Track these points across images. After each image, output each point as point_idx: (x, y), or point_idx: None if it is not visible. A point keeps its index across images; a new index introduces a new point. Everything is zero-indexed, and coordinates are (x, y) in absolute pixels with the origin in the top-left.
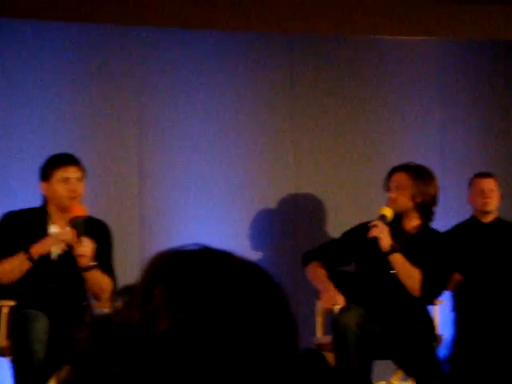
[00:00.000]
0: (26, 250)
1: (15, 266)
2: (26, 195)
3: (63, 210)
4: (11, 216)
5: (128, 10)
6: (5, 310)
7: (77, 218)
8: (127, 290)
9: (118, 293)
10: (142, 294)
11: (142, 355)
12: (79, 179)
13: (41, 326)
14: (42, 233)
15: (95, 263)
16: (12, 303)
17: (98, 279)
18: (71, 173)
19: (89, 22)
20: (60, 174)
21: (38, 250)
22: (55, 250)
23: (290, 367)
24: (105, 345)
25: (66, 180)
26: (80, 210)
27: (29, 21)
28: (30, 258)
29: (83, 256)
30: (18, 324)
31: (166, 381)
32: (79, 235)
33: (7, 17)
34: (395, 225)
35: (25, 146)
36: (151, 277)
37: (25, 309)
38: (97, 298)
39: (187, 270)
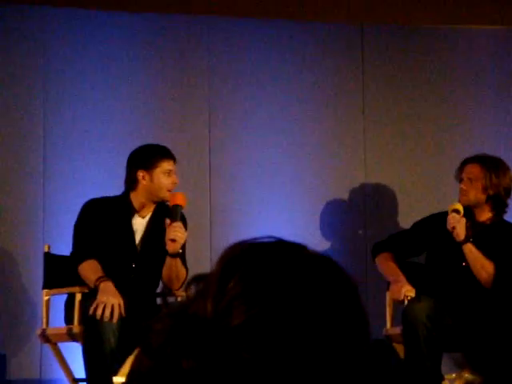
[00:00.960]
0: (108, 241)
1: (86, 279)
2: (105, 186)
3: (153, 200)
4: (94, 203)
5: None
6: (78, 297)
7: (178, 206)
8: (201, 279)
9: (191, 280)
10: (217, 285)
11: (216, 349)
12: (176, 173)
13: (110, 325)
14: (126, 223)
15: (182, 251)
16: (85, 290)
17: (178, 268)
18: (172, 166)
19: (153, 12)
20: (165, 166)
21: (102, 291)
22: (139, 237)
23: (361, 360)
24: (180, 338)
25: (169, 172)
26: (182, 200)
27: (96, 11)
28: (95, 286)
29: (175, 241)
30: (89, 311)
31: (240, 376)
32: (176, 220)
33: (73, 7)
34: (468, 217)
35: (91, 138)
36: (226, 268)
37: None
38: (170, 285)
39: (262, 263)
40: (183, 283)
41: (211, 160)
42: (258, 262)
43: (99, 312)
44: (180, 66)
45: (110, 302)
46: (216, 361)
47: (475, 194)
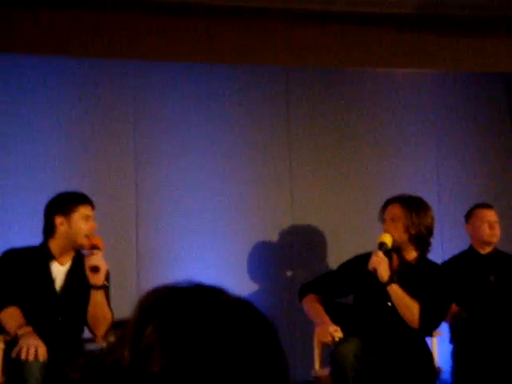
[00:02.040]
0: (28, 289)
1: (6, 326)
2: (20, 232)
3: (70, 246)
4: (12, 253)
5: (120, 44)
6: (1, 346)
7: (95, 245)
8: (121, 326)
9: (113, 326)
10: (134, 332)
11: None
12: (91, 218)
13: (36, 364)
14: (45, 270)
15: (107, 284)
16: (8, 338)
17: (104, 305)
18: (90, 211)
19: (82, 57)
20: (83, 210)
21: (23, 337)
22: (59, 283)
23: None
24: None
25: (87, 217)
26: (99, 241)
27: (24, 56)
28: (15, 334)
29: (98, 270)
30: (13, 362)
31: None
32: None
33: (5, 52)
34: (395, 254)
35: (20, 183)
36: (142, 316)
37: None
38: (96, 328)
39: (178, 310)
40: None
41: (138, 206)
42: (174, 309)
43: (24, 354)
44: (105, 112)
45: (33, 344)
46: None
47: (398, 234)
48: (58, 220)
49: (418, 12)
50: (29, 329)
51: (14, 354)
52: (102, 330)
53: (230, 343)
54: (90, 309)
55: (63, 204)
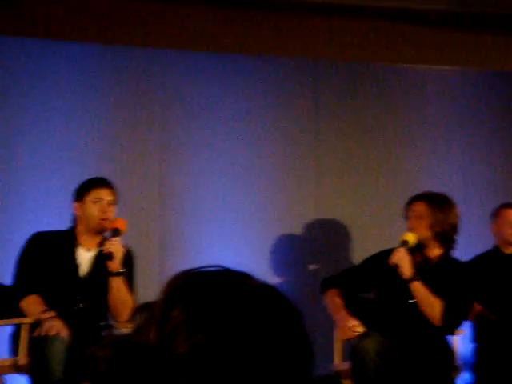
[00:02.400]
0: (52, 274)
1: (29, 313)
2: (54, 218)
3: (92, 231)
4: (39, 237)
5: (150, 32)
6: (25, 328)
7: (117, 228)
8: (146, 308)
9: (137, 310)
10: (161, 314)
11: (159, 376)
12: (110, 202)
13: (59, 345)
14: (70, 256)
15: (125, 270)
16: (30, 320)
17: (124, 291)
18: (104, 195)
19: (113, 45)
20: (93, 194)
21: (46, 320)
22: (83, 269)
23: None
24: (123, 365)
25: (99, 201)
26: (121, 224)
27: (57, 42)
28: (39, 319)
29: (113, 255)
30: (37, 342)
31: None
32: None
33: (37, 38)
34: (418, 253)
35: (51, 169)
36: (170, 298)
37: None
38: (117, 314)
39: (205, 292)
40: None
41: (162, 193)
42: (201, 291)
43: (44, 331)
44: (135, 100)
45: (55, 324)
46: None
47: (422, 232)
48: (76, 206)
49: (449, 8)
50: (52, 313)
51: (36, 334)
52: (123, 315)
53: (255, 326)
54: (110, 296)
55: (78, 190)
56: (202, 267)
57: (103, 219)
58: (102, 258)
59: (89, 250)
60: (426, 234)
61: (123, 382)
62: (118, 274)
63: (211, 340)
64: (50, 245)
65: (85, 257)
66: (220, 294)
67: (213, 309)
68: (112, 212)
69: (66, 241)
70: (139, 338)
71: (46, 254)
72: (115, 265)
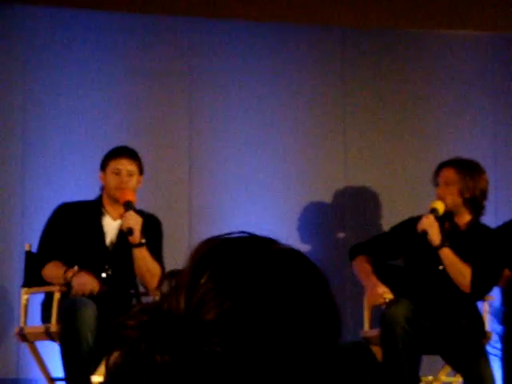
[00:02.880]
0: (78, 243)
1: (53, 277)
2: (85, 188)
3: (115, 200)
4: (64, 208)
5: (177, 1)
6: (56, 296)
7: (128, 201)
8: (174, 275)
9: (165, 277)
10: (189, 281)
11: (189, 344)
12: (130, 172)
13: (89, 312)
14: (96, 224)
15: (143, 241)
16: (63, 289)
17: (147, 260)
18: (123, 165)
19: (138, 13)
20: (113, 164)
21: (76, 283)
22: (110, 238)
23: (334, 354)
24: (153, 333)
25: (118, 171)
26: (130, 195)
27: (80, 10)
28: (66, 284)
29: (132, 230)
30: (67, 310)
31: (213, 370)
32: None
33: (63, 6)
34: (447, 220)
35: (81, 140)
36: (198, 264)
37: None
38: (145, 282)
39: (233, 259)
40: (159, 281)
41: (191, 161)
42: (229, 258)
43: (78, 290)
44: (161, 68)
45: (85, 280)
46: (189, 355)
47: (452, 198)
48: (101, 175)
49: None
50: (75, 269)
51: (70, 296)
52: (151, 283)
53: (283, 291)
54: (135, 265)
55: (103, 160)
56: (228, 234)
57: (119, 188)
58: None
59: (115, 219)
60: (456, 200)
61: (154, 350)
62: (139, 244)
63: (240, 306)
64: (77, 215)
65: (111, 226)
66: (247, 259)
67: (241, 275)
68: (130, 182)
69: (92, 210)
70: (168, 306)
71: (73, 224)
72: (136, 237)
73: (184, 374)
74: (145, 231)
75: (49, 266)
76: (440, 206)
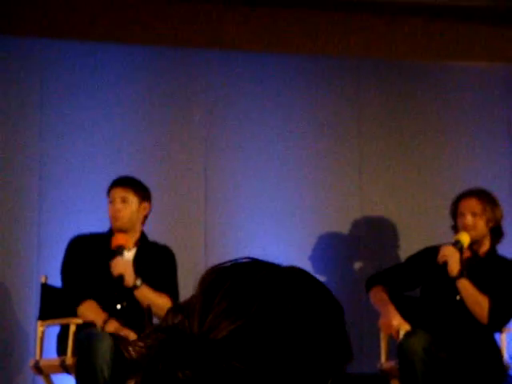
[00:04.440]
0: (93, 276)
1: (92, 319)
2: (101, 219)
3: (118, 231)
4: (78, 240)
5: (192, 33)
6: (72, 328)
7: (119, 246)
8: (180, 307)
9: (169, 312)
10: (202, 303)
11: (209, 360)
12: (124, 199)
13: (105, 345)
14: (109, 256)
15: (138, 283)
16: (79, 321)
17: (150, 297)
18: (115, 193)
19: (154, 45)
20: (110, 194)
21: (111, 328)
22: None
23: (341, 359)
24: (172, 350)
25: (113, 199)
26: (122, 239)
27: (97, 43)
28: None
29: (123, 276)
30: (83, 342)
31: (232, 382)
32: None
33: (76, 40)
34: (469, 250)
35: (89, 170)
36: (210, 287)
37: (90, 327)
38: (158, 317)
39: (244, 279)
40: None
41: (207, 192)
42: (239, 279)
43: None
44: (178, 99)
45: (131, 335)
46: (210, 370)
47: (481, 228)
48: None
49: (493, 4)
50: (114, 322)
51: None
52: (163, 315)
53: (293, 308)
54: (141, 303)
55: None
56: (233, 260)
57: (115, 218)
58: (142, 257)
59: (129, 249)
60: (484, 230)
61: (174, 367)
62: (134, 287)
63: (253, 323)
64: (89, 247)
65: (126, 257)
66: (257, 279)
67: (252, 294)
68: (125, 210)
69: (104, 242)
70: (182, 327)
71: (87, 257)
72: (128, 282)
73: None
74: (157, 263)
75: (85, 306)
76: (465, 239)
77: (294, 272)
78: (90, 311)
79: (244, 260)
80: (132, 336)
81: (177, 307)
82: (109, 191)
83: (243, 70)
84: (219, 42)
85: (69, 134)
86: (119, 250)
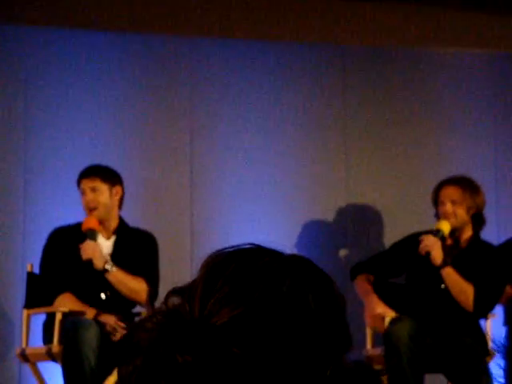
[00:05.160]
0: (74, 268)
1: (70, 308)
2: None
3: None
4: (58, 232)
5: (178, 20)
6: (58, 316)
7: (89, 229)
8: (179, 291)
9: (170, 293)
10: (203, 288)
11: (209, 345)
12: (93, 189)
13: (91, 333)
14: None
15: (108, 267)
16: (65, 309)
17: (124, 281)
18: (84, 184)
19: (139, 33)
20: (80, 187)
21: (102, 319)
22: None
23: (339, 350)
24: (172, 334)
25: (83, 192)
26: (92, 223)
27: (82, 31)
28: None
29: (91, 260)
30: (69, 331)
31: (232, 369)
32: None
33: (62, 27)
34: (450, 238)
35: (74, 158)
36: (211, 272)
37: (77, 316)
38: (134, 300)
39: (246, 266)
40: (149, 295)
41: (192, 178)
42: (241, 265)
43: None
44: (162, 87)
45: (112, 321)
46: (210, 356)
47: (461, 217)
48: None
49: None
50: (94, 310)
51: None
52: (139, 299)
53: (292, 295)
54: (115, 288)
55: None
56: (237, 246)
57: (90, 208)
58: (122, 244)
59: (108, 237)
60: (465, 218)
61: (173, 351)
62: (104, 271)
63: (253, 309)
64: (70, 238)
65: (104, 245)
66: (260, 266)
67: (253, 281)
68: (98, 198)
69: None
70: (183, 311)
71: (67, 248)
72: (98, 264)
73: (205, 373)
74: (135, 248)
75: (61, 299)
76: (446, 227)
77: (297, 260)
78: (66, 304)
79: (247, 246)
80: (111, 320)
81: (177, 290)
82: (78, 183)
83: (228, 58)
84: (204, 29)
85: (53, 123)
86: (90, 233)
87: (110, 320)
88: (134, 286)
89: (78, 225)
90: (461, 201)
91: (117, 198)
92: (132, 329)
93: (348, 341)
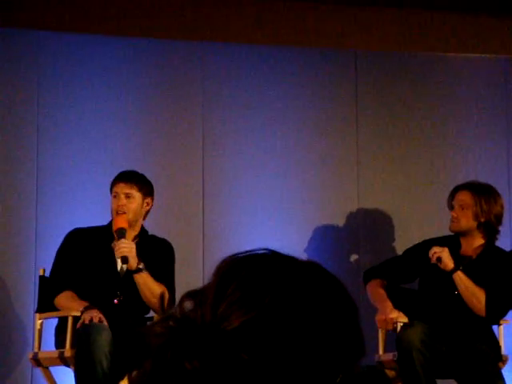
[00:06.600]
0: (90, 270)
1: (66, 309)
2: (98, 213)
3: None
4: (76, 233)
5: (189, 25)
6: (70, 321)
7: (120, 228)
8: (194, 294)
9: (184, 297)
10: (215, 293)
11: (217, 351)
12: (128, 194)
13: (104, 338)
14: (107, 250)
15: (141, 266)
16: (77, 314)
17: (149, 284)
18: (119, 188)
19: (151, 38)
20: (114, 189)
21: (85, 314)
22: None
23: (351, 355)
24: (181, 339)
25: (117, 194)
26: (122, 222)
27: (94, 36)
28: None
29: (127, 258)
30: (81, 335)
31: (241, 375)
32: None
33: (75, 32)
34: (455, 245)
35: (94, 165)
36: (224, 277)
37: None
38: (151, 305)
39: (258, 272)
40: (166, 303)
41: (205, 185)
42: (254, 271)
43: (87, 319)
44: (175, 92)
45: (95, 314)
46: (218, 362)
47: (466, 222)
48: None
49: None
50: (92, 307)
51: (78, 325)
52: (156, 306)
53: (307, 302)
54: (139, 290)
55: (110, 185)
56: (251, 250)
57: (119, 212)
58: (140, 251)
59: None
60: (470, 224)
61: (183, 356)
62: (137, 270)
63: (265, 315)
64: (88, 240)
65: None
66: (272, 271)
67: (265, 286)
68: (129, 205)
69: (103, 235)
70: (194, 316)
71: (84, 250)
72: (132, 264)
73: (211, 379)
74: (155, 255)
75: (62, 296)
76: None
77: (310, 266)
78: (66, 301)
79: (260, 251)
80: (95, 312)
81: (191, 294)
82: (112, 185)
83: (240, 63)
84: (215, 34)
85: (66, 127)
86: (121, 232)
87: (93, 312)
88: (157, 290)
89: (96, 228)
90: (468, 206)
91: (146, 208)
92: (143, 333)
93: (361, 348)
